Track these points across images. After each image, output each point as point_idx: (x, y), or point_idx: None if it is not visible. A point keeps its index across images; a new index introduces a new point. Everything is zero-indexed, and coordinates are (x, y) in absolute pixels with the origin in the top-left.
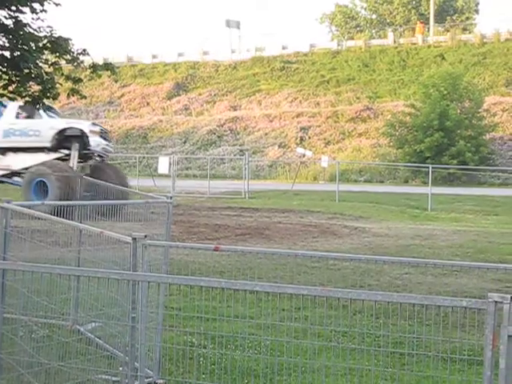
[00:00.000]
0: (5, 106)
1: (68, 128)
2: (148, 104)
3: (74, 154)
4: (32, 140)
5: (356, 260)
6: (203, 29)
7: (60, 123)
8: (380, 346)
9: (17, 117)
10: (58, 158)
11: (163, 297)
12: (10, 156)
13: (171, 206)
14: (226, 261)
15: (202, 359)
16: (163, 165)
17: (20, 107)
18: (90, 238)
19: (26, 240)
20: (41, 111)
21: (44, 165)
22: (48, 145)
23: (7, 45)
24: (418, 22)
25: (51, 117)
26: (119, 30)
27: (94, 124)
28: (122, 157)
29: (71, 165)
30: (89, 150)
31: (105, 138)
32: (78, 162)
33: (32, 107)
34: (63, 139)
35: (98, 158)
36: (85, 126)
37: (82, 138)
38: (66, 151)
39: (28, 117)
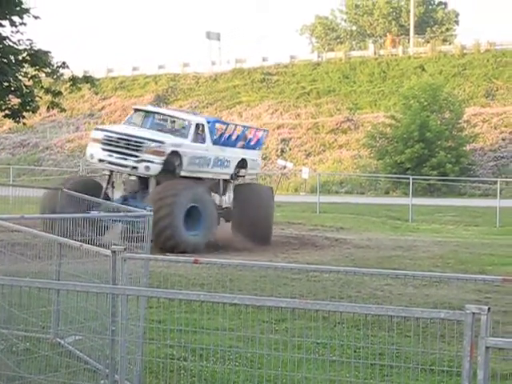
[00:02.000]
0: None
1: None
2: None
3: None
4: None
5: (336, 272)
6: (183, 41)
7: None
8: (360, 358)
9: None
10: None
11: (143, 309)
12: None
13: (151, 219)
14: (206, 273)
15: (182, 372)
16: None
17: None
18: (71, 252)
19: (5, 253)
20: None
21: None
22: None
23: None
24: (388, 34)
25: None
26: (99, 42)
27: (99, 129)
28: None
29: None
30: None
31: (127, 148)
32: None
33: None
34: None
35: (106, 173)
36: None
37: None
38: None
39: None
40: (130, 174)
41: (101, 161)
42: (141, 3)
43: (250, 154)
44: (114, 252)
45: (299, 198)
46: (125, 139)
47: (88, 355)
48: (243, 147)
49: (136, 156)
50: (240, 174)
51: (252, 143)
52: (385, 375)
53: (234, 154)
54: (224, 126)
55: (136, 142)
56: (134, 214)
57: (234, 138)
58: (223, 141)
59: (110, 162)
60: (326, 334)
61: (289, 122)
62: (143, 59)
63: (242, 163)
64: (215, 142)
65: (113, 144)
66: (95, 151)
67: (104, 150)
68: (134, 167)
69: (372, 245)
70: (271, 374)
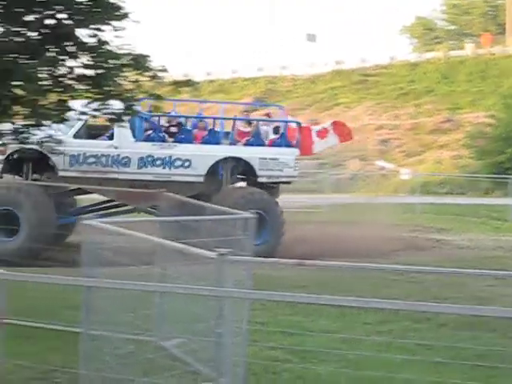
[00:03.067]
0: None
1: None
2: None
3: None
4: None
5: (438, 273)
6: (282, 43)
7: None
8: (464, 359)
9: None
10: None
11: (248, 312)
12: None
13: (253, 222)
14: (308, 275)
15: (285, 373)
16: None
17: None
18: (174, 254)
19: (110, 256)
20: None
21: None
22: None
23: (90, 63)
24: (483, 33)
25: None
26: (197, 45)
27: None
28: None
29: None
30: None
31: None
32: None
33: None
34: None
35: None
36: None
37: None
38: None
39: None
40: None
41: None
42: (240, 7)
43: (256, 152)
44: (219, 255)
45: (399, 199)
46: None
47: (192, 358)
48: (246, 144)
49: None
50: (240, 176)
51: (271, 138)
52: (489, 376)
53: (202, 151)
54: (160, 120)
55: None
56: (236, 217)
57: (199, 132)
58: (180, 137)
59: None
60: (429, 335)
61: (388, 122)
62: (242, 62)
63: (239, 163)
64: (149, 139)
65: None
66: None
67: None
68: None
69: (473, 245)
70: (374, 375)
